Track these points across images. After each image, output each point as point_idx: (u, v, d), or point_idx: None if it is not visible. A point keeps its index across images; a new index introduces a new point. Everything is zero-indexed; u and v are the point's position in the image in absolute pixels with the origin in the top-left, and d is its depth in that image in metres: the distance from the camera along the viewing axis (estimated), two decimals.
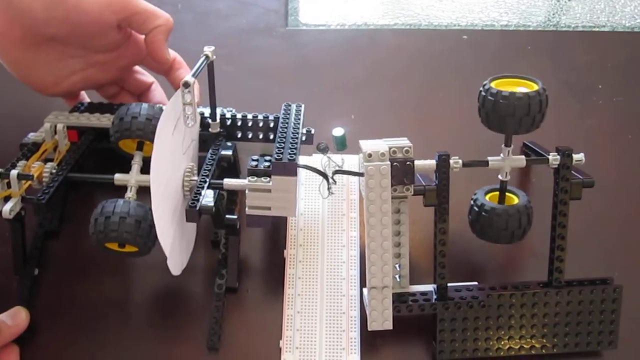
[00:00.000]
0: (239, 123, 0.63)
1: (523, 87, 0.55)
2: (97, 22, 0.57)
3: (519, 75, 0.57)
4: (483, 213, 0.58)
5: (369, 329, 0.56)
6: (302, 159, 0.59)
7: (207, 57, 0.55)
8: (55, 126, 0.60)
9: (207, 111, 0.62)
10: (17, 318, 0.56)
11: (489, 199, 0.60)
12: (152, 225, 0.52)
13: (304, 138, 0.61)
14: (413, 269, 0.59)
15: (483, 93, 0.55)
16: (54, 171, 0.57)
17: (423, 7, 0.85)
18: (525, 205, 0.58)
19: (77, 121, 0.61)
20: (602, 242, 0.66)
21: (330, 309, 0.59)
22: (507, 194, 0.60)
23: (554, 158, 0.57)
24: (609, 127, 0.73)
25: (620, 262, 0.64)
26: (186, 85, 0.50)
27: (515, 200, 0.59)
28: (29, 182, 0.57)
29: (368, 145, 0.54)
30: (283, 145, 0.56)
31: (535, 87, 0.55)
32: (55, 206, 0.62)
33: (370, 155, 0.53)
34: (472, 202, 0.60)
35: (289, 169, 0.54)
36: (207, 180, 0.56)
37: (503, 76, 0.57)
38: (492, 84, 0.55)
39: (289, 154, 0.55)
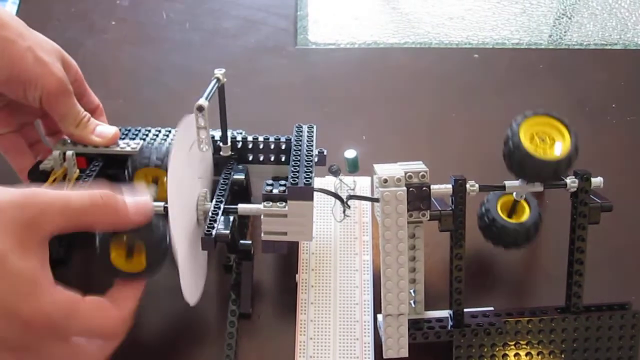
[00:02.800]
0: (250, 146, 0.62)
1: (553, 131, 0.55)
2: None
3: (550, 114, 0.56)
4: (493, 228, 0.59)
5: (385, 357, 0.55)
6: (315, 182, 0.59)
7: (218, 79, 0.54)
8: (64, 154, 0.59)
9: (217, 134, 0.61)
10: (141, 208, 0.49)
11: (501, 207, 0.60)
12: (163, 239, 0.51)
13: (316, 159, 0.60)
14: (427, 292, 0.58)
15: (510, 143, 0.54)
16: None
17: (433, 26, 0.84)
18: (535, 222, 0.58)
19: (86, 148, 0.60)
20: (619, 265, 0.64)
21: (344, 335, 0.58)
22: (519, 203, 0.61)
23: (572, 182, 0.56)
24: (623, 146, 0.73)
25: (638, 285, 0.63)
26: (200, 109, 0.49)
27: (527, 211, 0.60)
28: None
29: (383, 170, 0.53)
30: (298, 168, 0.55)
31: (567, 138, 0.54)
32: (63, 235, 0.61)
33: (386, 180, 0.52)
34: (482, 209, 0.60)
35: (306, 193, 0.53)
36: (221, 206, 0.55)
37: (534, 114, 0.55)
38: (522, 133, 0.54)
39: (305, 177, 0.54)
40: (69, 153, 0.59)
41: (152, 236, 0.50)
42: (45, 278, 0.43)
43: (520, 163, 0.54)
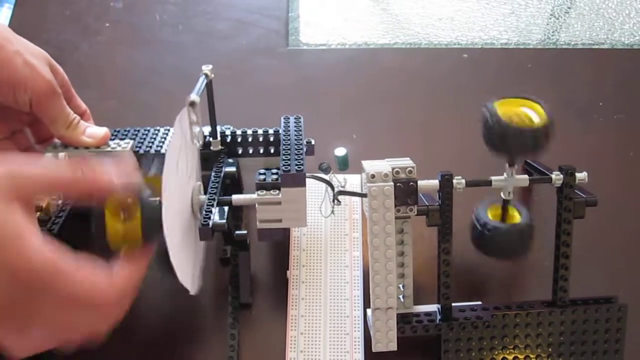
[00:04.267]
0: (239, 139, 0.63)
1: (529, 110, 0.55)
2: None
3: (522, 96, 0.57)
4: (486, 232, 0.58)
5: (374, 350, 0.55)
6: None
7: (206, 75, 0.56)
8: (57, 156, 0.60)
9: (206, 130, 0.62)
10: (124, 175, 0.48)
11: (491, 216, 0.60)
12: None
13: (305, 149, 0.61)
14: (416, 288, 0.59)
15: (490, 121, 0.55)
16: (59, 203, 0.58)
17: (423, 26, 0.85)
18: (527, 223, 0.58)
19: (77, 150, 0.61)
20: (605, 260, 0.65)
21: (334, 330, 0.58)
22: (509, 210, 0.60)
23: (557, 177, 0.57)
24: (610, 144, 0.74)
25: (624, 280, 0.64)
26: (192, 104, 0.50)
27: (517, 218, 0.59)
28: (38, 214, 0.56)
29: (371, 166, 0.54)
30: (289, 156, 0.56)
31: (542, 114, 0.55)
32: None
33: (373, 176, 0.53)
34: (474, 218, 0.60)
35: (298, 179, 0.54)
36: (216, 197, 0.56)
37: (505, 97, 0.57)
38: (499, 111, 0.55)
39: (296, 164, 0.55)
40: (61, 155, 0.60)
41: (143, 197, 0.50)
42: (31, 230, 0.43)
43: (502, 136, 0.54)
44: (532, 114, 0.56)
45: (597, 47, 0.83)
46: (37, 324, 0.44)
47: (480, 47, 0.83)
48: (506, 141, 0.54)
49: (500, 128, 0.54)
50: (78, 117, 0.61)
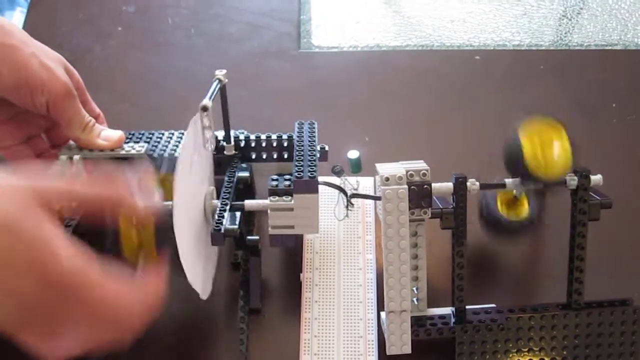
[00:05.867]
0: (253, 144, 0.63)
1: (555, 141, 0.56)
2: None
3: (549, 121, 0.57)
4: (489, 221, 0.61)
5: (388, 354, 0.55)
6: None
7: (219, 80, 0.56)
8: (72, 158, 0.60)
9: (220, 134, 0.62)
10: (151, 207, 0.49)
11: (500, 201, 0.61)
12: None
13: (318, 155, 0.62)
14: (430, 290, 0.59)
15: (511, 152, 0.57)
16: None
17: (435, 28, 0.85)
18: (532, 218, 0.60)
19: (92, 153, 0.61)
20: (620, 262, 0.65)
21: (348, 333, 0.58)
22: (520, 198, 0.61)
23: (571, 179, 0.56)
24: (623, 145, 0.73)
25: (639, 281, 0.63)
26: (204, 109, 0.50)
27: (526, 208, 0.61)
28: None
29: (385, 168, 0.54)
30: (302, 163, 0.56)
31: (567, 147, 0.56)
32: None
33: (387, 179, 0.53)
34: (482, 201, 0.61)
35: (311, 186, 0.54)
36: (228, 202, 0.56)
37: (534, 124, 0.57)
38: (526, 146, 0.56)
39: (309, 171, 0.55)
40: (77, 157, 0.60)
41: (164, 232, 0.50)
42: (61, 237, 0.43)
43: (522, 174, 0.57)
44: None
45: (609, 48, 0.83)
46: (67, 330, 0.44)
47: (492, 48, 0.83)
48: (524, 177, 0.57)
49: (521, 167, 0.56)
50: (93, 120, 0.61)
